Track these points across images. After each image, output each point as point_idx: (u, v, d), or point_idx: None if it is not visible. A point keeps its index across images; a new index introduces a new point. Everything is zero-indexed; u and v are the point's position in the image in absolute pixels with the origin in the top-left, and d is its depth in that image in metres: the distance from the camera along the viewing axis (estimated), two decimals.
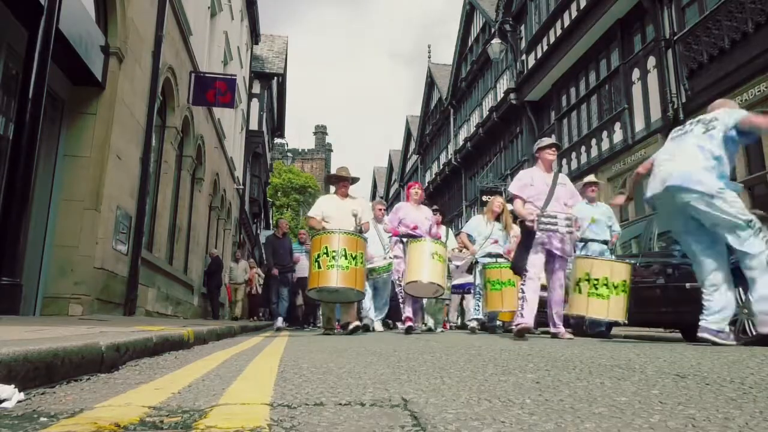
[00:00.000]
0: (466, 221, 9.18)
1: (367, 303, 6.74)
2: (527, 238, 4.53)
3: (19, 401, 1.18)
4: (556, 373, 1.73)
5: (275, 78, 22.61)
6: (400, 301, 6.23)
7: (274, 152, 37.67)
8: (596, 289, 5.09)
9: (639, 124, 11.51)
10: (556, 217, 4.53)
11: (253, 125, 19.76)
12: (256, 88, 20.55)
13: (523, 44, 17.12)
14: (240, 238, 19.47)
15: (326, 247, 5.03)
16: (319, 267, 5.04)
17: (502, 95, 18.11)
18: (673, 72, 10.20)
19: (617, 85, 12.45)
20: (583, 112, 14.11)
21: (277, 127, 28.00)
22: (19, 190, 4.08)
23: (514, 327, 4.48)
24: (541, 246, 4.55)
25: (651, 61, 11.17)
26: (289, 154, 59.71)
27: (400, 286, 6.29)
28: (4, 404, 1.13)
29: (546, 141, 5.01)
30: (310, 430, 0.94)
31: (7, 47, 4.76)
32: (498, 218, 6.73)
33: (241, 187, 18.26)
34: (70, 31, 4.90)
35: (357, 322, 5.47)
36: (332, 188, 6.10)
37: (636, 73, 11.74)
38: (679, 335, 6.78)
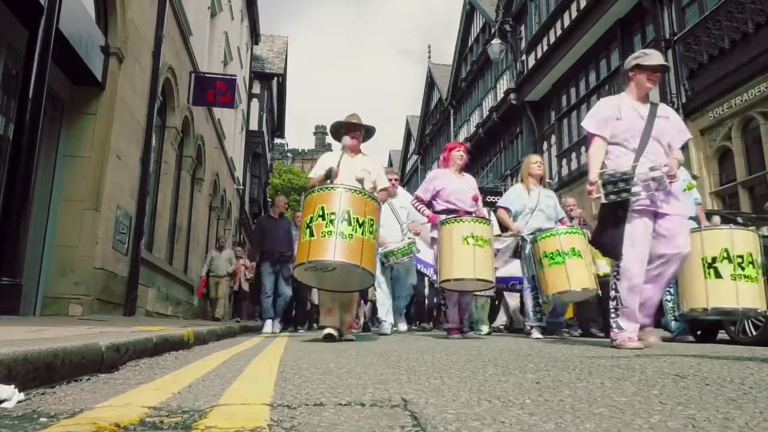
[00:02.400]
0: None
1: (384, 300, 5.58)
2: (612, 214, 3.09)
3: (19, 401, 1.18)
4: (556, 374, 1.73)
5: (275, 78, 22.61)
6: (442, 303, 4.94)
7: (274, 152, 37.66)
8: (742, 269, 3.76)
9: None
10: (655, 168, 3.03)
11: (253, 125, 19.77)
12: (256, 88, 20.55)
13: (523, 44, 17.12)
14: (240, 238, 19.47)
15: (322, 208, 3.68)
16: (311, 235, 3.64)
17: (502, 95, 18.11)
18: (673, 72, 10.19)
19: (617, 85, 12.46)
20: (583, 112, 14.11)
21: (277, 127, 28.00)
22: (19, 190, 4.08)
23: (618, 343, 3.07)
24: (645, 212, 3.09)
25: None
26: (289, 155, 59.71)
27: (432, 281, 5.41)
28: (4, 404, 1.13)
29: (652, 59, 3.30)
30: (310, 430, 0.94)
31: (7, 47, 4.76)
32: (542, 182, 5.23)
33: (241, 187, 18.26)
34: (70, 31, 4.90)
35: (349, 330, 4.32)
36: (337, 148, 4.73)
37: None
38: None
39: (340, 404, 1.19)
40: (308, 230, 3.68)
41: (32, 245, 5.22)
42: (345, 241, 3.61)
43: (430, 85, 30.29)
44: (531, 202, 5.05)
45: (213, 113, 12.19)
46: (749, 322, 4.34)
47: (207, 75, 10.20)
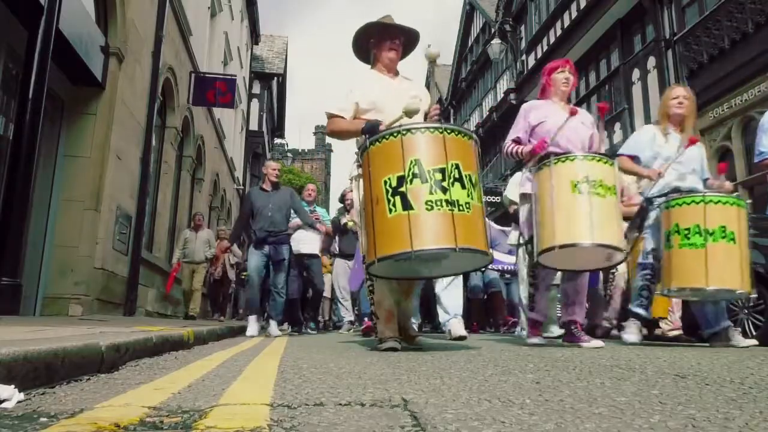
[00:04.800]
0: None
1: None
2: None
3: (19, 401, 1.18)
4: (556, 374, 1.73)
5: (275, 78, 22.61)
6: (529, 293, 3.50)
7: (274, 152, 37.65)
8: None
9: (639, 125, 11.49)
10: None
11: (253, 125, 19.77)
12: (256, 88, 20.56)
13: (523, 44, 17.13)
14: (240, 238, 19.43)
15: (414, 163, 2.47)
16: (407, 207, 2.44)
17: (502, 95, 18.11)
18: (673, 72, 10.19)
19: (617, 86, 12.46)
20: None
21: (277, 127, 28.01)
22: (19, 190, 4.08)
23: None
24: None
25: (651, 62, 11.17)
26: (289, 155, 59.70)
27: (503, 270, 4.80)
28: (4, 404, 1.13)
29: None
30: (310, 430, 0.94)
31: (7, 47, 4.76)
32: (682, 125, 3.79)
33: (241, 187, 18.26)
34: (70, 31, 4.90)
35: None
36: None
37: (636, 74, 11.74)
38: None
39: (340, 404, 1.19)
40: (396, 199, 2.44)
41: (32, 245, 5.23)
42: (464, 215, 2.43)
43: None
44: (668, 150, 3.67)
45: (213, 113, 12.19)
46: (749, 322, 4.33)
47: (207, 75, 10.21)
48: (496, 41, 16.91)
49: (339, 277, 7.12)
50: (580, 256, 3.08)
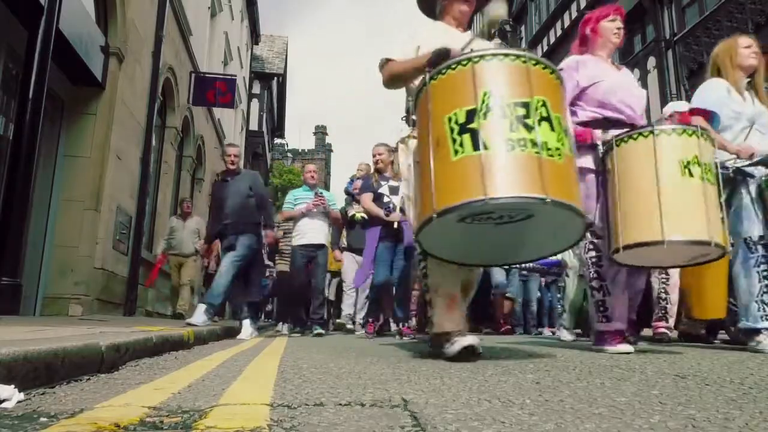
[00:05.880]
0: None
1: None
2: None
3: (19, 401, 1.18)
4: (556, 374, 1.73)
5: (275, 78, 22.63)
6: (597, 301, 2.78)
7: (274, 152, 37.67)
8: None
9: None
10: None
11: (253, 125, 19.78)
12: (256, 88, 20.57)
13: (524, 44, 17.13)
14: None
15: (488, 94, 1.94)
16: (476, 147, 1.88)
17: None
18: (673, 72, 10.21)
19: None
20: None
21: (277, 127, 28.02)
22: (19, 190, 4.08)
23: None
24: None
25: (651, 61, 11.18)
26: (289, 155, 59.75)
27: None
28: (4, 404, 1.13)
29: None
30: (310, 430, 0.94)
31: (7, 47, 4.76)
32: (753, 79, 3.19)
33: None
34: (70, 31, 4.90)
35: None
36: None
37: (636, 73, 11.74)
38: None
39: (340, 404, 1.19)
40: (465, 137, 1.89)
41: (32, 245, 5.23)
42: (555, 162, 1.88)
43: None
44: (748, 108, 3.03)
45: (213, 113, 12.19)
46: None
47: (207, 75, 10.21)
48: (496, 41, 16.90)
49: (347, 272, 6.49)
50: (666, 252, 2.48)
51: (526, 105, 1.92)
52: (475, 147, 1.88)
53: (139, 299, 7.03)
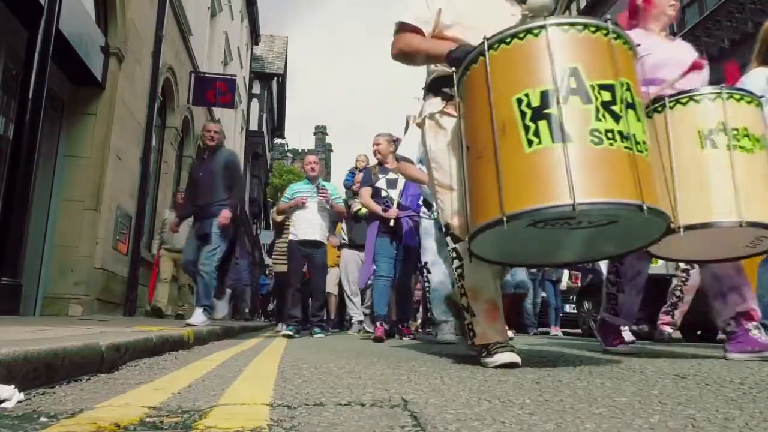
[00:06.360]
0: None
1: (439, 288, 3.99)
2: None
3: (19, 401, 1.18)
4: (556, 374, 1.73)
5: (275, 78, 22.64)
6: (608, 293, 2.78)
7: (274, 152, 37.68)
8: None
9: None
10: None
11: (253, 125, 19.79)
12: (256, 88, 20.58)
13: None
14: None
15: (570, 72, 1.64)
16: (555, 138, 1.59)
17: None
18: None
19: None
20: None
21: (277, 127, 28.03)
22: (19, 190, 4.08)
23: None
24: None
25: None
26: (289, 155, 59.79)
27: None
28: (4, 404, 1.13)
29: None
30: (310, 430, 0.94)
31: (7, 47, 4.76)
32: None
33: None
34: (70, 31, 4.90)
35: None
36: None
37: None
38: None
39: (340, 404, 1.19)
40: (541, 125, 1.61)
41: (32, 245, 5.23)
42: (644, 159, 1.65)
43: None
44: None
45: (213, 113, 12.20)
46: None
47: (207, 75, 10.22)
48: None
49: (349, 271, 6.28)
50: (709, 239, 2.16)
51: (610, 88, 1.64)
52: (555, 138, 1.59)
53: (139, 299, 7.03)
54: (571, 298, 8.10)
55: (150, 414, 1.08)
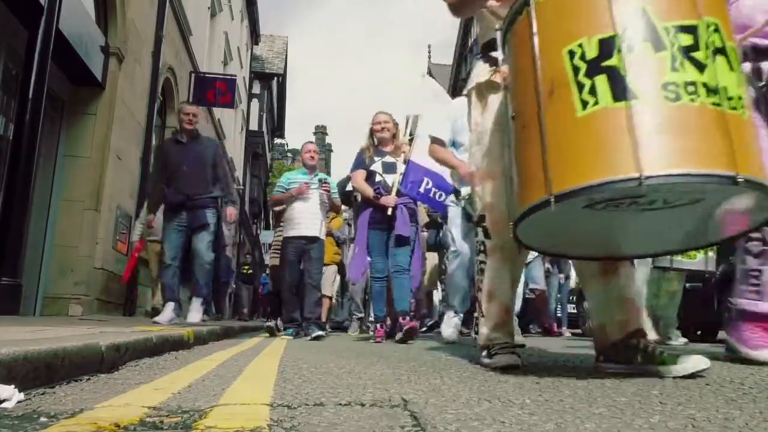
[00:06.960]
0: None
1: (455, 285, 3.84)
2: None
3: (19, 401, 1.18)
4: (556, 374, 1.73)
5: (275, 78, 22.64)
6: (755, 262, 2.10)
7: (274, 152, 37.66)
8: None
9: None
10: None
11: (253, 125, 19.79)
12: (256, 88, 20.59)
13: None
14: (240, 238, 19.47)
15: (635, 14, 1.32)
16: (618, 96, 1.26)
17: None
18: None
19: None
20: None
21: (277, 127, 28.03)
22: (19, 190, 4.08)
23: None
24: None
25: None
26: (289, 155, 59.77)
27: None
28: (4, 404, 1.13)
29: None
30: (310, 430, 0.94)
31: (7, 47, 4.76)
32: None
33: (241, 187, 18.27)
34: (70, 31, 4.90)
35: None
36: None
37: None
38: None
39: (340, 404, 1.19)
40: (598, 80, 1.30)
41: (32, 245, 5.23)
42: (739, 117, 1.29)
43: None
44: None
45: (213, 113, 12.19)
46: None
47: (207, 75, 10.22)
48: None
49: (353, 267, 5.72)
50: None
51: (692, 30, 1.30)
52: (617, 96, 1.28)
53: (139, 299, 7.03)
54: (571, 297, 8.09)
55: (150, 414, 1.08)
